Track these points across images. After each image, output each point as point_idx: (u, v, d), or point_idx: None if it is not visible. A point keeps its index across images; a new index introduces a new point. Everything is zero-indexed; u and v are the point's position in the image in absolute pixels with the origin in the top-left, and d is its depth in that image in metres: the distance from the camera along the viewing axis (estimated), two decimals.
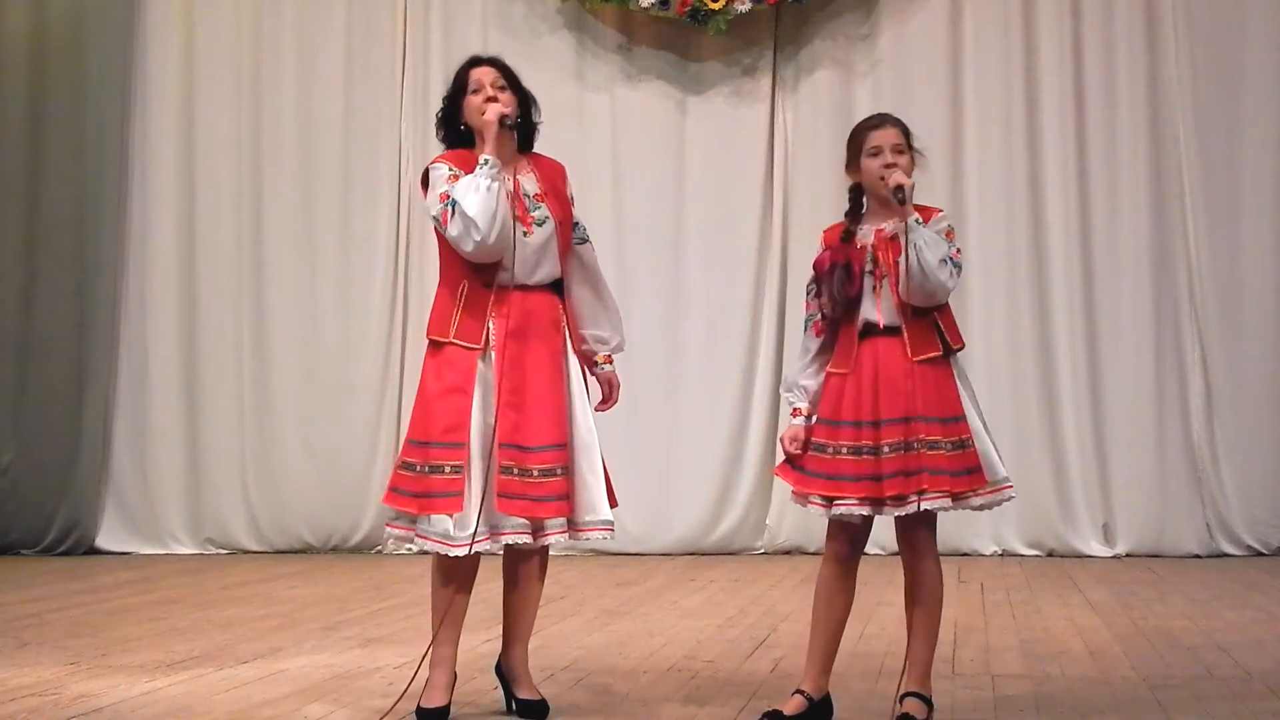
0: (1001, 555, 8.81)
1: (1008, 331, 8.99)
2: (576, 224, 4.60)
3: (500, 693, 4.61)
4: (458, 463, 4.31)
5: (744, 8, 8.89)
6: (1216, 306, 8.87)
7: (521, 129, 4.53)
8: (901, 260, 4.20)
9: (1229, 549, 8.75)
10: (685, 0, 8.90)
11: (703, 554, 8.98)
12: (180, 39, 9.56)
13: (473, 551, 4.27)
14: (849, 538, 4.34)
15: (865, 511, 4.22)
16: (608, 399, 4.61)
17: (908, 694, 4.31)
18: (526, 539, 4.34)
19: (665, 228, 9.29)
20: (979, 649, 5.62)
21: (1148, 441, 8.88)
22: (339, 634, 6.08)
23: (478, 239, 4.31)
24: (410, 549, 4.45)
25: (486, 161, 4.35)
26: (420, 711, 4.38)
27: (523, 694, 4.53)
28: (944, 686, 4.81)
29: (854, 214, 4.40)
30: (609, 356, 4.61)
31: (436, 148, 4.62)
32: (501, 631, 4.62)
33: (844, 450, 4.25)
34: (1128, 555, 8.76)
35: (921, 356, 4.24)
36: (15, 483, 9.43)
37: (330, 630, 6.18)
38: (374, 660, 5.43)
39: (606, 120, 9.32)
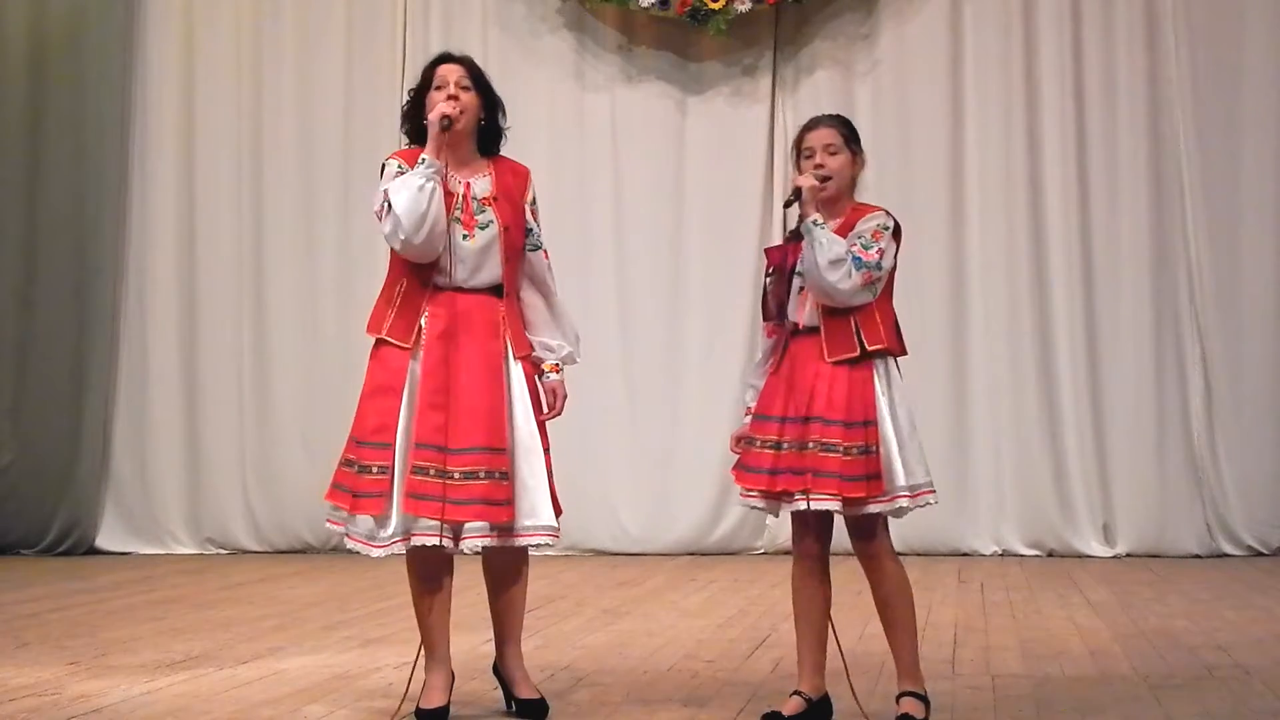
0: (1001, 555, 8.81)
1: (1008, 331, 8.98)
2: (530, 230, 4.55)
3: (500, 693, 4.61)
4: (384, 464, 4.34)
5: (744, 8, 8.89)
6: (1216, 306, 8.87)
7: (484, 133, 4.51)
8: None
9: (1229, 549, 8.75)
10: (685, 0, 8.90)
11: (703, 554, 8.98)
12: (180, 39, 9.56)
13: (389, 554, 4.32)
14: (805, 530, 4.38)
15: (762, 505, 4.36)
16: (551, 408, 4.53)
17: (903, 693, 4.32)
18: (437, 540, 4.29)
19: (665, 228, 9.28)
20: (979, 649, 5.62)
21: (1148, 441, 8.88)
22: (339, 634, 6.07)
23: (403, 237, 4.32)
24: (347, 545, 4.48)
25: (423, 161, 4.34)
26: (420, 712, 4.38)
27: (522, 694, 4.52)
28: (944, 686, 4.81)
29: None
30: (555, 365, 4.54)
31: None
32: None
33: (756, 443, 4.37)
34: (1128, 555, 8.75)
35: (836, 358, 4.26)
36: (15, 483, 9.43)
37: (330, 630, 6.18)
38: (374, 660, 5.43)
39: (606, 120, 9.31)
